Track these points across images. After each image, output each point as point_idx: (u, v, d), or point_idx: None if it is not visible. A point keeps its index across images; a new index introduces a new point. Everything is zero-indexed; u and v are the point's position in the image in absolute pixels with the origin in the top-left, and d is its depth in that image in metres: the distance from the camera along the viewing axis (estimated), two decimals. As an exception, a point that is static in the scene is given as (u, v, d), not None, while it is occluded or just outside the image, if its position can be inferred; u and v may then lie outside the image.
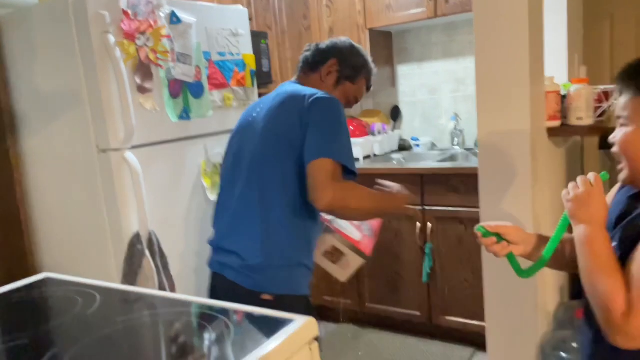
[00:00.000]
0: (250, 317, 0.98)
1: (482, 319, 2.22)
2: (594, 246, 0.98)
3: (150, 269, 1.78)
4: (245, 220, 1.41)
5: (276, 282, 1.38)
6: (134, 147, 1.81)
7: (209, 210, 2.16)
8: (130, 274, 1.75)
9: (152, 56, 1.85)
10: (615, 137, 1.05)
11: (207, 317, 1.01)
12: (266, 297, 1.36)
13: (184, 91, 2.00)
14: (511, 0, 1.77)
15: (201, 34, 2.07)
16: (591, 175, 1.05)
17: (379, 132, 3.16)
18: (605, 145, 2.12)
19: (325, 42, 1.66)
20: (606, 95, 2.06)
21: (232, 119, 2.29)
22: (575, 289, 2.55)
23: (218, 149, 2.20)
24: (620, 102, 1.04)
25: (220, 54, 2.18)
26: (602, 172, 1.07)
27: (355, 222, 1.57)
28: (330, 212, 1.34)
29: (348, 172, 1.37)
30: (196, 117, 2.05)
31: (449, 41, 3.17)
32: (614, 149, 1.06)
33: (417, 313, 2.83)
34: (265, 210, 1.38)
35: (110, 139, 1.74)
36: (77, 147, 1.82)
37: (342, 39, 1.70)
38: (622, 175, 1.06)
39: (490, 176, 1.92)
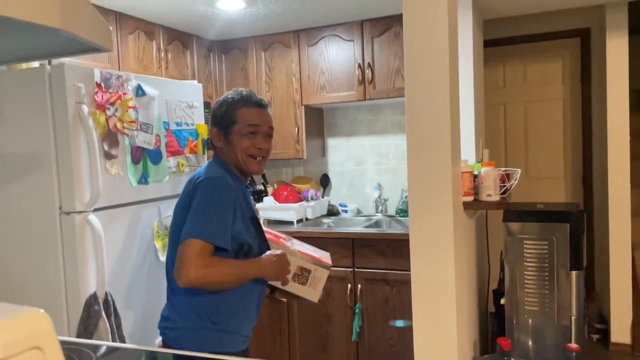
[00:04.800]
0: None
1: (407, 373, 2.44)
2: None
3: (105, 329, 1.82)
4: (168, 284, 1.54)
5: (189, 343, 1.46)
6: (95, 210, 1.88)
7: (160, 271, 2.24)
8: (86, 334, 1.78)
9: (119, 125, 1.98)
10: None
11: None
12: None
13: (144, 157, 2.12)
14: (435, 91, 2.14)
15: (162, 105, 2.24)
16: None
17: (312, 198, 3.42)
18: (508, 218, 2.53)
19: None
20: (508, 176, 2.49)
21: (184, 184, 2.43)
22: (484, 345, 2.88)
23: (170, 212, 2.30)
24: None
25: (177, 123, 2.35)
26: None
27: (309, 247, 1.68)
28: (193, 287, 1.41)
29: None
30: (153, 182, 2.17)
31: (374, 120, 3.57)
32: None
33: (346, 371, 3.00)
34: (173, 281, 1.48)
35: (76, 201, 1.81)
36: (38, 208, 1.86)
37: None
38: None
39: (419, 242, 2.21)
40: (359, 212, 3.60)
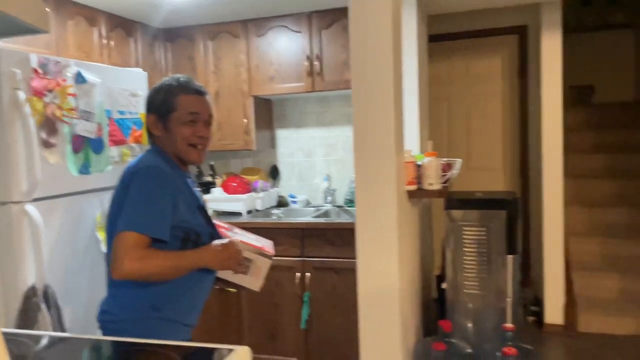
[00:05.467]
0: (191, 351, 1.14)
1: (355, 359, 2.50)
2: None
3: (44, 322, 1.77)
4: (108, 276, 1.50)
5: (129, 334, 1.39)
6: (34, 200, 1.82)
7: (103, 263, 2.19)
8: (25, 327, 1.72)
9: (58, 113, 1.91)
10: None
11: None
12: None
13: (86, 147, 2.07)
14: (380, 83, 2.20)
15: (104, 93, 2.18)
16: None
17: (261, 189, 3.42)
18: (449, 206, 2.64)
19: None
20: (449, 166, 2.59)
21: (128, 174, 2.39)
22: (428, 328, 2.99)
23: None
24: None
25: (121, 112, 2.30)
26: None
27: (251, 236, 1.66)
28: (129, 279, 1.40)
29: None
30: (95, 172, 2.12)
31: (323, 111, 3.61)
32: None
33: (295, 359, 3.03)
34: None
35: (12, 191, 1.74)
36: (-30, 199, 1.78)
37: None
38: None
39: (365, 231, 2.27)
40: (308, 203, 3.64)
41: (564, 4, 3.55)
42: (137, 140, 2.41)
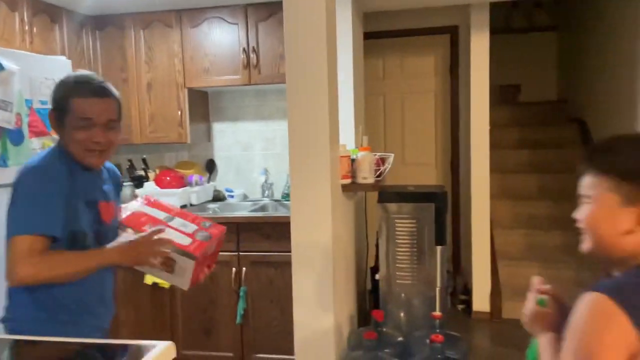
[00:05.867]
0: (113, 348, 1.11)
1: (290, 352, 2.53)
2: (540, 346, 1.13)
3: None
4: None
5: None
6: (-57, 194, 1.70)
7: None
8: None
9: (-29, 101, 1.79)
10: (580, 214, 1.10)
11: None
12: None
13: (3, 137, 1.95)
14: (314, 78, 2.22)
15: (24, 82, 2.06)
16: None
17: (196, 183, 3.36)
18: (381, 199, 2.71)
19: None
20: (382, 160, 2.66)
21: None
22: (362, 319, 3.06)
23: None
24: (584, 182, 1.09)
25: (42, 102, 2.18)
26: (540, 300, 1.19)
27: (188, 230, 1.57)
28: (26, 285, 1.37)
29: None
30: (14, 165, 2.00)
31: (260, 105, 3.59)
32: (579, 224, 1.11)
33: (231, 354, 3.02)
34: None
35: None
36: None
37: None
38: (584, 247, 1.11)
39: (300, 224, 2.29)
40: (245, 197, 3.61)
41: (493, 5, 3.72)
42: (62, 132, 2.29)
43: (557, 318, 1.16)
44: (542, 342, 1.13)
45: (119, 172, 1.70)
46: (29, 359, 1.12)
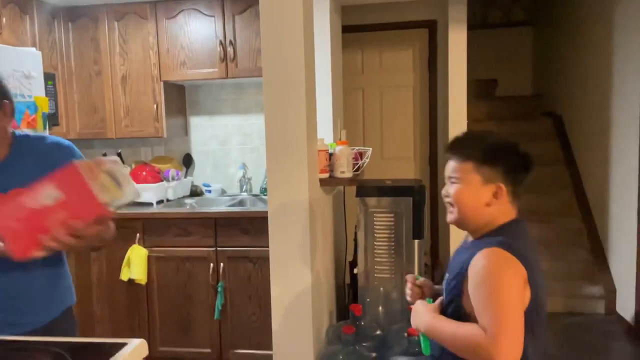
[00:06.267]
0: (81, 346, 1.08)
1: (268, 347, 2.52)
2: (436, 330, 1.32)
3: None
4: None
5: None
6: None
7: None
8: None
9: None
10: (448, 191, 1.37)
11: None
12: None
13: (-31, 131, 1.88)
14: (291, 71, 2.19)
15: (-9, 73, 1.99)
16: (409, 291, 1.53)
17: (173, 178, 3.31)
18: (360, 193, 2.70)
19: None
20: (360, 154, 2.65)
21: (21, 162, 2.21)
22: (341, 313, 3.06)
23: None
24: (450, 166, 1.38)
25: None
26: (418, 275, 1.54)
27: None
28: None
29: None
30: (-19, 159, 1.93)
31: (237, 99, 3.55)
32: (447, 200, 1.38)
33: (208, 350, 2.99)
34: None
35: None
36: None
37: None
38: (450, 217, 1.39)
39: (277, 218, 2.27)
40: (223, 192, 3.57)
41: (471, 0, 3.74)
42: (31, 125, 2.23)
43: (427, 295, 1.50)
44: (436, 320, 1.34)
45: (63, 144, 1.52)
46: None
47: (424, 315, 1.36)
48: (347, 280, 3.33)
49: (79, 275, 2.87)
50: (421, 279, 1.53)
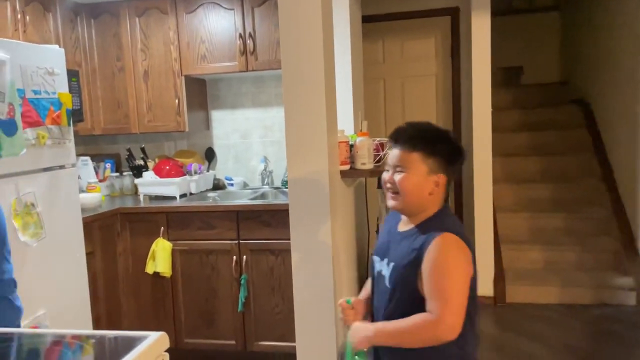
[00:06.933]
0: (101, 339, 1.09)
1: (292, 339, 2.52)
2: (384, 333, 1.41)
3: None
4: None
5: None
6: (-64, 187, 1.68)
7: (22, 253, 2.07)
8: None
9: (-39, 92, 1.76)
10: (394, 178, 1.45)
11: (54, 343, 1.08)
12: None
13: (-5, 129, 1.92)
14: (310, 63, 2.17)
15: (15, 71, 2.03)
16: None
17: (195, 172, 3.34)
18: (381, 185, 2.68)
19: None
20: (382, 145, 2.62)
21: (46, 158, 2.25)
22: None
23: (30, 188, 2.13)
24: (396, 154, 1.46)
25: (35, 92, 2.15)
26: (347, 299, 1.58)
27: None
28: None
29: None
30: (8, 155, 1.98)
31: (258, 92, 3.55)
32: (389, 187, 1.47)
33: (233, 342, 3.02)
34: None
35: None
36: None
37: None
38: (395, 204, 1.47)
39: (298, 211, 2.27)
40: (245, 185, 3.59)
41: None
42: (56, 122, 2.27)
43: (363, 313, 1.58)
44: (379, 326, 1.44)
45: None
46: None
47: (365, 329, 1.44)
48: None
49: (105, 269, 2.92)
50: (352, 300, 1.58)
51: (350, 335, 1.47)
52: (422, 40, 4.27)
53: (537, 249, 4.01)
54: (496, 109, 3.82)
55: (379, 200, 2.59)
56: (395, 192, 1.46)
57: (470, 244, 1.41)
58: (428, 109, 4.32)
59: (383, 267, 1.49)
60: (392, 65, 4.35)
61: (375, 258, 1.56)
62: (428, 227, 1.41)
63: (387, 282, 1.46)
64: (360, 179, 3.08)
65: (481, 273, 3.92)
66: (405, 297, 1.41)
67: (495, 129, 3.78)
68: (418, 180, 1.42)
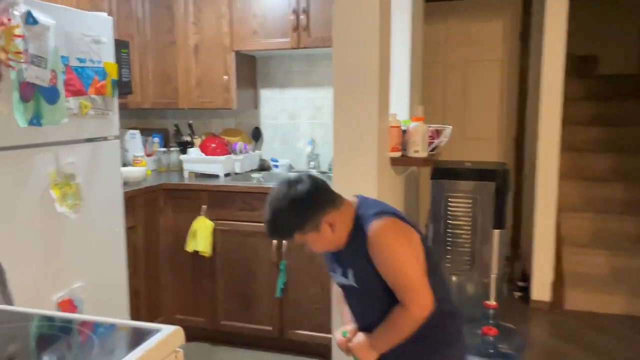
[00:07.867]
0: (115, 328, 0.99)
1: (328, 331, 2.39)
2: (381, 340, 1.48)
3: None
4: None
5: None
6: (-27, 152, 1.65)
7: (58, 224, 2.04)
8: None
9: (2, 56, 1.72)
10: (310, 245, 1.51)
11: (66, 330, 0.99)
12: None
13: (36, 95, 1.88)
14: (364, 43, 2.00)
15: (60, 37, 1.97)
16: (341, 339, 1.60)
17: (241, 152, 3.25)
18: (435, 175, 2.48)
19: None
20: (438, 132, 2.42)
21: (88, 128, 2.21)
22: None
23: (70, 158, 2.09)
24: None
25: (80, 60, 2.09)
26: (344, 332, 1.60)
27: None
28: None
29: None
30: (48, 124, 1.93)
31: (309, 71, 3.40)
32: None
33: (270, 328, 2.93)
34: None
35: (-55, 141, 1.57)
36: None
37: None
38: (319, 252, 1.55)
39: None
40: (291, 168, 3.47)
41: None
42: (100, 92, 2.21)
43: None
44: (372, 337, 1.50)
45: None
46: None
47: (364, 345, 1.51)
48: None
49: (146, 244, 2.89)
50: (349, 329, 1.60)
51: (355, 356, 1.54)
52: (489, 22, 3.97)
53: (603, 254, 3.67)
54: (566, 99, 3.50)
55: (432, 192, 2.40)
56: None
57: (396, 212, 1.47)
58: (491, 97, 4.03)
59: (347, 277, 1.52)
60: (455, 48, 4.08)
61: (334, 275, 1.60)
62: (357, 231, 1.46)
63: (357, 286, 1.50)
64: (413, 168, 2.89)
65: (538, 276, 3.63)
66: (378, 288, 1.45)
67: (564, 121, 3.46)
68: (317, 239, 1.47)
